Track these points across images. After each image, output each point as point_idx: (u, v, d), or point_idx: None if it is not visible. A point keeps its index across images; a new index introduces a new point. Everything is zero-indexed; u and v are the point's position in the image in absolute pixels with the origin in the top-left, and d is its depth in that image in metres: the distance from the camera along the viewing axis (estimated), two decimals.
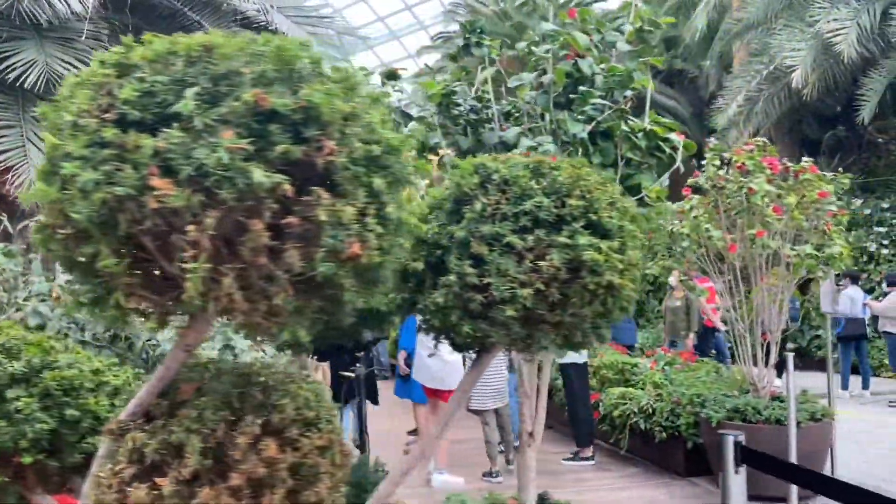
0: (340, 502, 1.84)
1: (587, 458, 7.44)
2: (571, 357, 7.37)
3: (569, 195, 2.19)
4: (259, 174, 1.48)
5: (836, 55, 12.07)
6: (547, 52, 3.54)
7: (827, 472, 5.87)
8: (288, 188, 1.51)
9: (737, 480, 2.89)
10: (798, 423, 5.82)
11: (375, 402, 7.35)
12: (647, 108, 3.82)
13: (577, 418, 7.59)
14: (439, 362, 6.42)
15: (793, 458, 5.42)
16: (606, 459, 7.63)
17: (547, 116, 3.61)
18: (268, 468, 1.65)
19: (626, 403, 7.43)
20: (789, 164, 6.23)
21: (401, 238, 1.75)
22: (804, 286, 8.82)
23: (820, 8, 12.63)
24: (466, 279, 2.12)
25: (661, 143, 3.75)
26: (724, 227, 6.21)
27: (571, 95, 3.56)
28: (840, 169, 7.19)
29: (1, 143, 6.10)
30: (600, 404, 7.75)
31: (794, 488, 5.12)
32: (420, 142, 3.64)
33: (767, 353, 6.33)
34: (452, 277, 2.13)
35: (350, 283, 1.64)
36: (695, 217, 6.27)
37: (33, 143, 6.23)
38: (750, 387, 6.44)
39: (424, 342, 6.48)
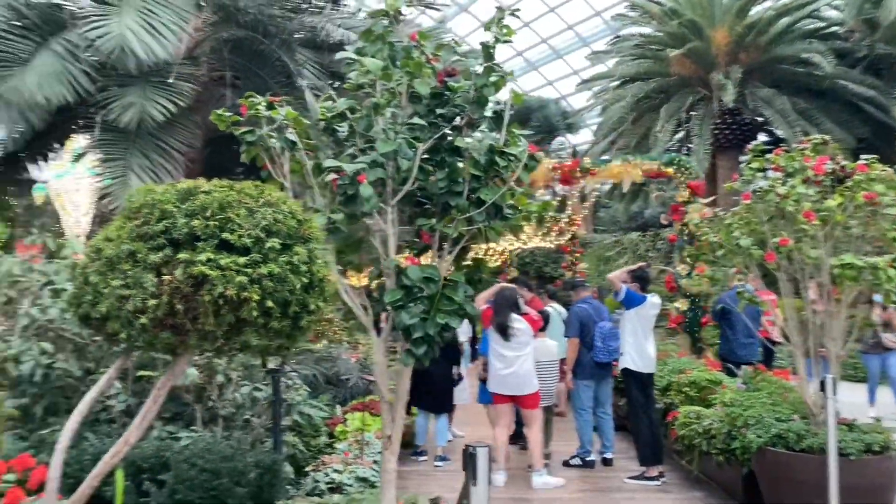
0: None
1: (652, 479, 6.95)
2: (624, 363, 6.98)
3: (207, 216, 2.35)
4: None
5: None
6: (399, 77, 3.62)
7: None
8: None
9: None
10: (847, 455, 4.98)
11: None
12: (505, 122, 3.70)
13: (638, 434, 7.13)
14: (510, 369, 6.51)
15: (833, 498, 4.67)
16: (676, 481, 7.07)
17: (357, 139, 3.67)
18: None
19: (694, 423, 6.84)
20: (844, 163, 5.34)
21: None
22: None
23: None
24: (116, 292, 2.39)
25: (496, 158, 3.59)
26: (768, 234, 5.52)
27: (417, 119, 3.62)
28: None
29: (108, 174, 7.48)
30: (676, 422, 7.20)
31: None
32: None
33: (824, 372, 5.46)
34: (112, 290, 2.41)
35: None
36: (728, 224, 5.66)
37: (134, 172, 7.53)
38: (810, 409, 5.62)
39: (496, 350, 6.64)
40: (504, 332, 6.60)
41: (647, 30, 20.91)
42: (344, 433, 6.97)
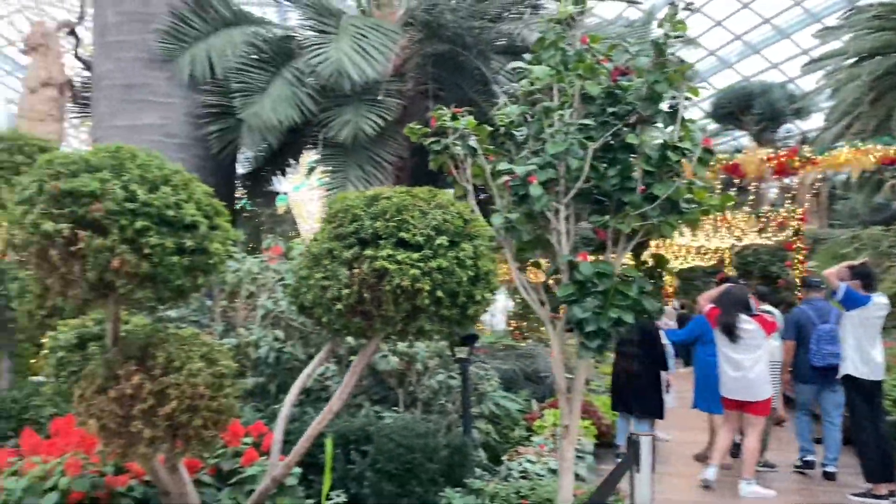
0: None
1: (880, 497, 6.35)
2: (845, 369, 6.41)
3: (387, 217, 2.71)
4: None
5: None
6: (571, 80, 3.77)
7: None
8: None
9: None
10: None
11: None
12: (679, 117, 3.64)
13: (862, 446, 6.51)
14: (739, 372, 6.39)
15: None
16: None
17: (531, 142, 3.81)
18: None
19: None
20: None
21: None
22: None
23: None
24: (319, 283, 2.84)
25: (668, 153, 3.55)
26: None
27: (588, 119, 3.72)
28: None
29: (331, 184, 8.43)
30: None
31: None
32: None
33: None
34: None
35: None
36: None
37: (351, 182, 8.41)
38: None
39: (724, 353, 6.52)
40: (731, 333, 6.38)
41: None
42: (542, 427, 7.19)
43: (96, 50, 9.08)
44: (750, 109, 25.89)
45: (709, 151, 3.69)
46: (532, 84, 3.79)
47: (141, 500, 3.81)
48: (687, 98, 3.83)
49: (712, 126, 27.46)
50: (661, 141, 3.64)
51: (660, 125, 3.83)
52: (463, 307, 2.84)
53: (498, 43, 9.99)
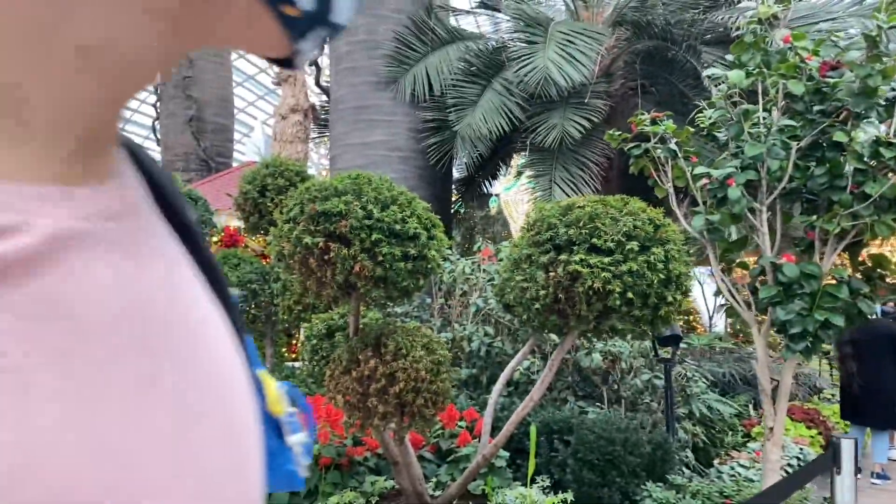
0: None
1: None
2: None
3: (580, 225, 2.97)
4: None
5: None
6: (775, 80, 3.73)
7: None
8: None
9: None
10: None
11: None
12: None
13: None
14: None
15: None
16: None
17: (731, 144, 3.76)
18: None
19: None
20: None
21: None
22: None
23: None
24: (520, 285, 3.19)
25: (881, 150, 3.33)
26: None
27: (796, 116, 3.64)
28: None
29: (538, 187, 8.79)
30: None
31: None
32: None
33: None
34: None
35: None
36: None
37: (556, 185, 8.71)
38: None
39: None
40: None
41: None
42: (760, 434, 6.94)
43: (332, 77, 10.32)
44: None
45: None
46: (729, 88, 3.82)
47: (374, 469, 4.47)
48: None
49: None
50: (873, 137, 3.49)
51: (873, 120, 3.65)
52: (655, 308, 3.02)
53: (708, 35, 9.67)
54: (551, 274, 3.08)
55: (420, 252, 3.04)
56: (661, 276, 2.99)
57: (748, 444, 6.53)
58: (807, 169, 3.75)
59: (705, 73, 4.30)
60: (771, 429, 3.90)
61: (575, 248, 3.04)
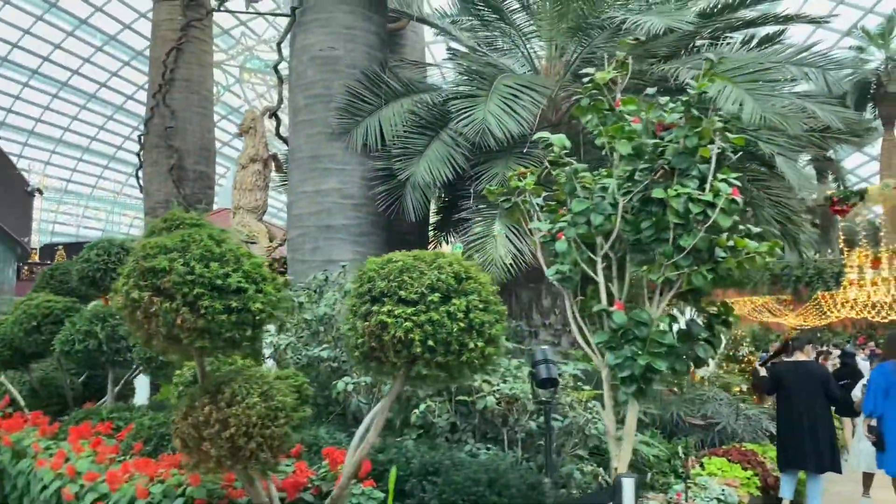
0: None
1: None
2: None
3: (391, 278, 3.27)
4: None
5: None
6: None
7: None
8: None
9: None
10: None
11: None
12: (712, 168, 3.73)
13: None
14: None
15: None
16: None
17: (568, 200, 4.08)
18: None
19: None
20: None
21: None
22: None
23: None
24: (348, 333, 3.46)
25: (689, 206, 3.62)
26: None
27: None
28: None
29: (476, 233, 9.08)
30: None
31: None
32: None
33: None
34: None
35: None
36: None
37: (500, 231, 8.99)
38: None
39: None
40: None
41: None
42: (698, 475, 7.08)
43: (290, 129, 10.78)
44: None
45: (734, 202, 3.71)
46: (554, 152, 4.12)
47: None
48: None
49: None
50: (685, 193, 3.76)
51: (696, 177, 3.93)
52: (458, 354, 3.27)
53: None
54: (366, 324, 3.34)
55: (244, 305, 3.32)
56: (462, 325, 3.25)
57: (675, 486, 6.64)
58: (638, 223, 4.02)
59: (535, 135, 4.61)
60: (615, 469, 4.08)
61: (385, 299, 3.31)
